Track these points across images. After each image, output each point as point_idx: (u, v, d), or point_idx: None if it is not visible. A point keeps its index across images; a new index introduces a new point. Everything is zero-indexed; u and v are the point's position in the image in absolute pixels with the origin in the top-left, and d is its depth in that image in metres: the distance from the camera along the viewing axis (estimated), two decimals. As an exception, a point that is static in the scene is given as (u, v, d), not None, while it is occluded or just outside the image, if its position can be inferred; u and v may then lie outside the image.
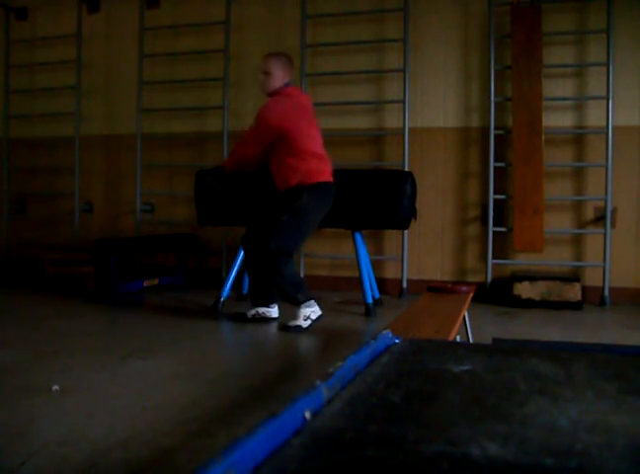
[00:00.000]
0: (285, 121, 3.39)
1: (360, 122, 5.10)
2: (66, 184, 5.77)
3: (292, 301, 3.48)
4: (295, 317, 3.47)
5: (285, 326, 3.48)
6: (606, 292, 4.51)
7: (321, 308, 3.55)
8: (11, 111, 5.94)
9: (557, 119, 4.67)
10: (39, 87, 5.91)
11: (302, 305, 3.46)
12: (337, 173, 4.25)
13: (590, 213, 4.66)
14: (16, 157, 5.97)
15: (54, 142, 5.86)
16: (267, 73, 3.50)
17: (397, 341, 1.39)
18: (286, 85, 3.53)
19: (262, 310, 3.71)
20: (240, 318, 3.74)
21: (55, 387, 2.25)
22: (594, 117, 4.61)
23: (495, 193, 4.67)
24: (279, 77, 3.50)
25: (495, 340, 1.76)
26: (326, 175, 3.55)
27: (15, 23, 6.00)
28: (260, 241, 3.45)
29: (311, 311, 3.47)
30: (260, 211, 3.74)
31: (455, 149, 4.91)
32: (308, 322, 3.46)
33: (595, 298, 4.53)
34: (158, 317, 3.90)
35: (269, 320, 3.69)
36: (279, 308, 3.74)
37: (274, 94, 3.52)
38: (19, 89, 5.93)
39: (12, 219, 5.99)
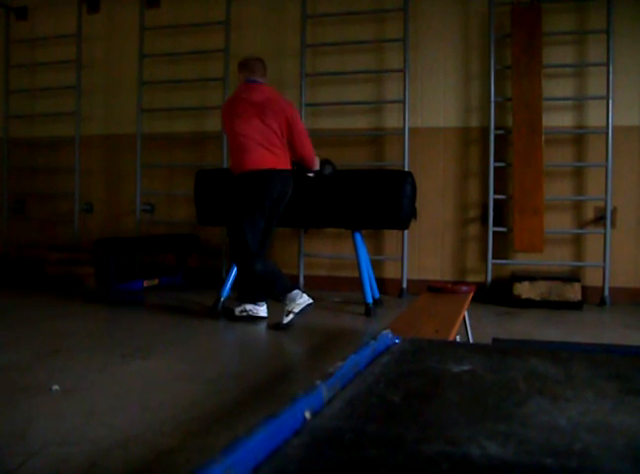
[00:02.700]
0: (223, 115, 3.64)
1: (360, 122, 5.10)
2: (66, 184, 5.77)
3: (273, 298, 3.55)
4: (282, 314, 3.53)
5: (272, 325, 3.54)
6: (606, 292, 4.51)
7: (317, 299, 3.57)
8: (11, 111, 5.94)
9: (557, 119, 4.67)
10: (39, 87, 5.91)
11: (285, 300, 3.48)
12: (337, 173, 4.26)
13: (590, 213, 4.66)
14: (16, 157, 5.96)
15: (54, 142, 5.86)
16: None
17: (397, 341, 1.39)
18: (247, 81, 3.64)
19: (249, 307, 3.73)
20: (228, 314, 3.76)
21: (55, 387, 2.25)
22: (594, 117, 4.61)
23: (495, 193, 4.67)
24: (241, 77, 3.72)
25: (495, 340, 1.76)
26: (250, 163, 3.47)
27: (15, 23, 6.00)
28: (231, 245, 3.62)
29: (295, 305, 3.48)
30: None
31: (455, 149, 4.91)
32: (290, 317, 3.47)
33: (595, 298, 4.53)
34: (158, 317, 3.90)
35: (257, 319, 3.71)
36: (267, 307, 3.77)
37: None
38: (19, 89, 5.93)
39: (12, 219, 5.99)
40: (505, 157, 4.74)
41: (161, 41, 5.52)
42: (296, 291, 3.51)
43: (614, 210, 4.56)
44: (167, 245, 5.11)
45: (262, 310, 3.74)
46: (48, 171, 5.90)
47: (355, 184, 4.12)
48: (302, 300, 3.50)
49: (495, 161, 4.67)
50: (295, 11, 5.12)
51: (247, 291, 3.73)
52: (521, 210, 4.52)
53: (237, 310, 3.74)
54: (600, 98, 4.51)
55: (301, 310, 3.49)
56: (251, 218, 3.49)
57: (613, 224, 4.55)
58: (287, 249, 5.14)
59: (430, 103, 4.95)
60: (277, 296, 3.50)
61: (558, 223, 4.67)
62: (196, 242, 5.14)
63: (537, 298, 4.34)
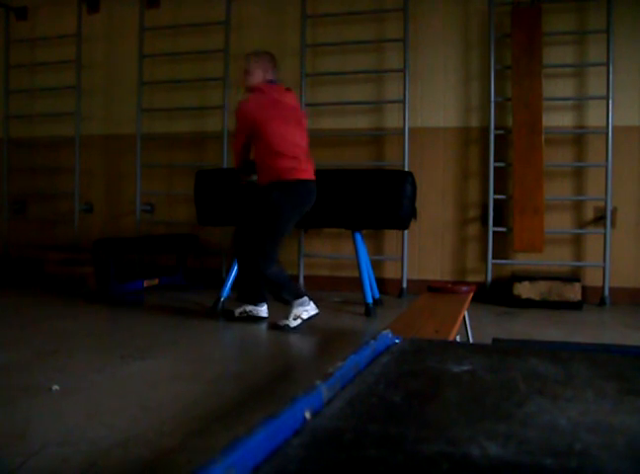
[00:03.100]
0: (257, 116, 3.39)
1: (360, 122, 5.10)
2: (66, 184, 5.77)
3: (282, 301, 3.51)
4: (287, 316, 3.49)
5: (275, 324, 3.51)
6: (606, 292, 4.51)
7: (318, 306, 3.57)
8: (11, 111, 5.94)
9: (557, 119, 4.67)
10: (39, 87, 5.91)
11: (295, 304, 3.47)
12: (337, 173, 4.27)
13: (590, 213, 4.66)
14: (16, 157, 5.96)
15: (54, 142, 5.86)
16: (246, 72, 3.57)
17: (397, 341, 1.39)
18: (269, 82, 3.54)
19: (249, 308, 3.72)
20: (228, 315, 3.75)
21: (55, 387, 2.25)
22: (594, 117, 4.61)
23: (495, 193, 4.67)
24: (257, 75, 3.53)
25: (495, 340, 1.76)
26: (300, 173, 3.45)
27: (15, 23, 6.00)
28: (242, 246, 3.53)
29: (303, 310, 3.48)
30: (244, 211, 3.74)
31: (455, 149, 4.90)
32: (298, 321, 3.46)
33: (595, 298, 4.54)
34: (158, 317, 3.90)
35: (258, 319, 3.70)
36: (268, 308, 3.76)
37: (252, 90, 3.55)
38: (19, 89, 5.93)
39: (12, 219, 5.99)
40: (505, 157, 4.74)
41: (161, 41, 5.52)
42: (305, 298, 3.51)
43: (614, 210, 4.56)
44: (167, 245, 5.11)
45: (262, 311, 3.73)
46: (48, 171, 5.90)
47: (355, 184, 4.12)
48: (310, 307, 3.51)
49: (495, 161, 4.67)
50: (295, 11, 5.12)
51: (247, 292, 3.73)
52: (521, 210, 4.52)
53: (237, 311, 3.73)
54: (600, 98, 4.51)
55: (309, 317, 3.50)
56: (285, 226, 3.49)
57: (613, 224, 4.55)
58: (287, 249, 5.13)
59: (430, 103, 4.95)
60: (286, 299, 3.48)
61: (558, 223, 4.67)
62: (196, 242, 5.14)
63: (537, 298, 4.34)
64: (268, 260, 3.44)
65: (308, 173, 3.50)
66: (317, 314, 3.55)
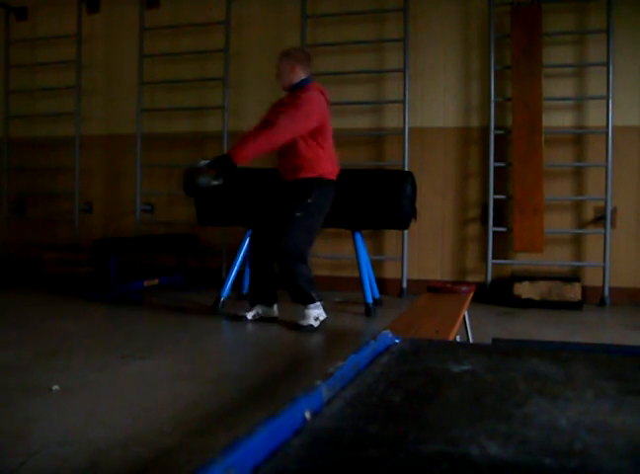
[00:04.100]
0: (323, 114, 3.47)
1: (360, 122, 5.10)
2: (66, 184, 5.77)
3: (306, 300, 3.47)
4: (304, 317, 3.48)
5: (297, 325, 3.47)
6: (606, 292, 4.51)
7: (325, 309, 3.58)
8: (11, 111, 5.94)
9: (557, 119, 4.67)
10: (39, 87, 5.91)
11: (312, 306, 3.47)
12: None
13: (590, 213, 4.66)
14: (16, 157, 5.96)
15: (54, 142, 5.86)
16: (280, 71, 3.58)
17: (397, 341, 1.39)
18: (307, 81, 3.56)
19: (263, 310, 3.71)
20: (240, 319, 3.72)
21: (55, 387, 2.25)
22: (594, 117, 4.61)
23: (495, 193, 4.67)
24: (297, 72, 3.55)
25: (495, 340, 1.76)
26: (335, 173, 3.62)
27: (15, 23, 6.00)
28: (273, 240, 3.46)
29: (320, 313, 3.50)
30: (268, 209, 3.71)
31: (455, 149, 4.90)
32: (318, 322, 3.48)
33: (595, 298, 4.53)
34: (158, 317, 3.90)
35: (268, 320, 3.69)
36: (278, 308, 3.75)
37: (297, 88, 3.54)
38: (19, 89, 5.93)
39: (12, 219, 5.99)
40: (505, 157, 4.74)
41: (161, 41, 5.52)
42: (321, 302, 3.52)
43: (614, 210, 4.56)
44: (167, 245, 5.11)
45: (274, 311, 3.72)
46: (48, 171, 5.90)
47: (355, 184, 4.12)
48: (322, 311, 3.52)
49: (495, 161, 4.67)
50: (295, 11, 5.12)
51: (263, 294, 3.68)
52: (521, 210, 4.52)
53: (250, 314, 3.68)
54: (600, 98, 4.51)
55: (324, 320, 3.52)
56: (320, 223, 3.58)
57: (613, 224, 4.55)
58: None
59: (430, 103, 4.95)
60: (313, 298, 3.47)
61: (558, 223, 4.67)
62: (196, 242, 5.14)
63: (537, 298, 4.34)
64: (303, 258, 3.46)
65: (336, 174, 3.65)
66: (326, 319, 3.56)
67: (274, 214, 3.60)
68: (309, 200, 3.46)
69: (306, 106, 3.39)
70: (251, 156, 3.40)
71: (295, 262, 3.42)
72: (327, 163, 3.54)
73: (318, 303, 3.49)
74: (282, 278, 3.51)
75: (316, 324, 3.46)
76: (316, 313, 3.48)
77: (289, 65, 3.54)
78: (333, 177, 3.60)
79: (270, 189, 3.83)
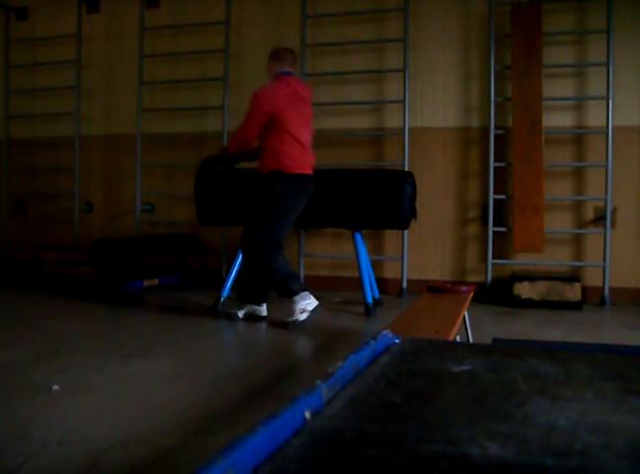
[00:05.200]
0: (277, 105, 3.46)
1: (360, 122, 5.10)
2: (66, 184, 5.77)
3: (288, 293, 3.50)
4: (291, 313, 3.49)
5: (283, 323, 3.50)
6: (606, 292, 4.51)
7: (318, 299, 3.58)
8: (11, 111, 5.94)
9: (557, 120, 4.67)
10: (39, 87, 5.91)
11: (297, 298, 3.47)
12: (337, 173, 4.27)
13: (590, 213, 4.66)
14: (16, 157, 5.96)
15: (54, 142, 5.86)
16: (267, 69, 3.71)
17: (397, 341, 1.39)
18: (284, 73, 3.60)
19: (253, 308, 3.73)
20: (232, 318, 3.74)
21: (55, 387, 2.25)
22: (594, 117, 4.61)
23: (495, 193, 4.67)
24: (272, 68, 3.64)
25: (495, 340, 1.76)
26: (304, 167, 3.57)
27: (15, 23, 6.00)
28: (247, 236, 3.54)
29: (307, 303, 3.49)
30: (249, 206, 3.76)
31: (455, 149, 4.90)
32: (305, 315, 3.48)
33: (595, 298, 4.53)
34: (158, 317, 3.90)
35: (258, 319, 3.71)
36: (267, 307, 3.77)
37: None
38: (19, 89, 5.93)
39: (12, 219, 5.99)
40: (505, 157, 4.74)
41: (161, 42, 5.52)
42: (307, 292, 3.52)
43: (614, 210, 4.56)
44: (167, 245, 5.11)
45: (263, 310, 3.74)
46: (48, 171, 5.90)
47: (355, 184, 4.12)
48: (312, 300, 3.52)
49: (495, 161, 4.67)
50: (295, 11, 5.12)
51: (250, 292, 3.72)
52: (521, 210, 4.52)
53: (241, 313, 3.72)
54: (600, 98, 4.51)
55: (314, 309, 3.51)
56: (290, 216, 3.57)
57: (613, 224, 4.55)
58: (288, 249, 5.12)
59: (430, 103, 4.95)
60: (295, 290, 3.48)
61: (558, 223, 4.67)
62: (196, 242, 5.14)
63: (537, 298, 4.34)
64: (277, 251, 3.47)
65: (309, 167, 3.63)
66: (319, 306, 3.56)
67: (248, 212, 3.67)
68: (273, 197, 3.50)
69: (253, 102, 3.51)
70: (235, 152, 3.69)
71: (269, 255, 3.45)
72: (292, 154, 3.50)
73: (304, 294, 3.49)
74: (261, 273, 3.56)
75: (303, 317, 3.47)
76: (302, 305, 3.48)
77: (268, 65, 3.68)
78: (300, 169, 3.54)
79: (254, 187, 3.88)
